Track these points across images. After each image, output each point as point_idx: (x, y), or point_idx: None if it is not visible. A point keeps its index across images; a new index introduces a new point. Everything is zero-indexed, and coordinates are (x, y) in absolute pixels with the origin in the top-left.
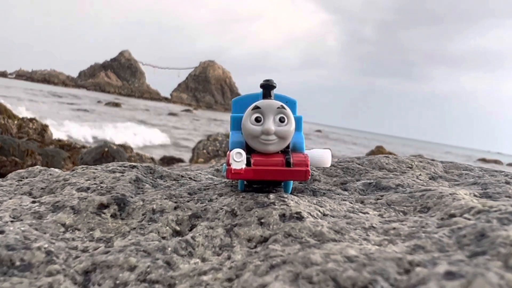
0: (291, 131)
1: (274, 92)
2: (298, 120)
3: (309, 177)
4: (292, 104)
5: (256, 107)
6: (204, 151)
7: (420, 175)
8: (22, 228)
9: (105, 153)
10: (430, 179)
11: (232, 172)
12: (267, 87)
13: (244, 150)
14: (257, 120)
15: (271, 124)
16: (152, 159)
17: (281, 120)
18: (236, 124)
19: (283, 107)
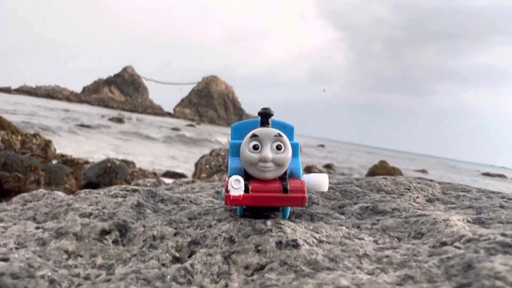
0: (288, 158)
1: (273, 118)
2: (295, 147)
3: (306, 204)
4: (289, 130)
5: (254, 135)
6: (207, 166)
7: (417, 197)
8: (27, 256)
9: (108, 169)
10: (427, 201)
11: (231, 198)
12: (265, 115)
13: (242, 176)
14: (255, 147)
15: (268, 151)
16: (155, 174)
17: (278, 148)
18: (235, 150)
19: (280, 135)
